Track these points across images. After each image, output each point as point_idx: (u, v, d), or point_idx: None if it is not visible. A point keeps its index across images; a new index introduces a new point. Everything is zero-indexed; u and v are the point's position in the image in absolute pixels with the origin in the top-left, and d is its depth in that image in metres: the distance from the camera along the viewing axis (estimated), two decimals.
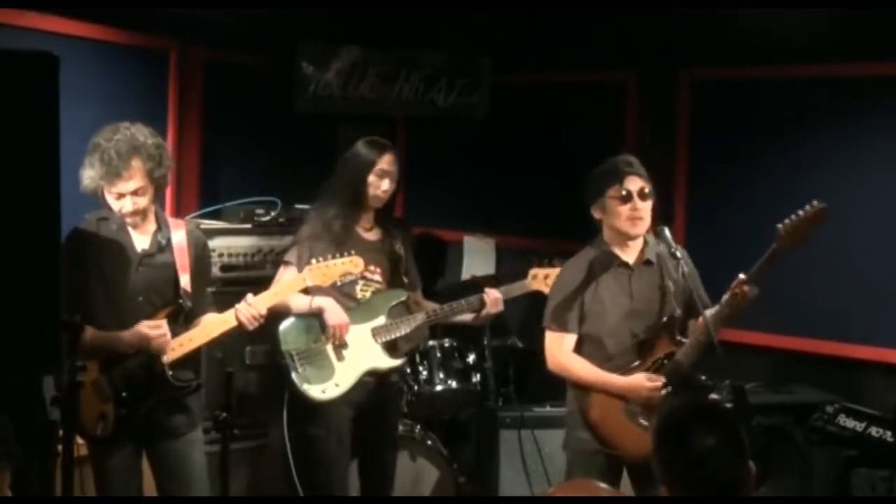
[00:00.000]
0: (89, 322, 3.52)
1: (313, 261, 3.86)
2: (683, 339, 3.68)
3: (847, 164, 4.81)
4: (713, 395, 4.46)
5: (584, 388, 3.75)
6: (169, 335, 3.58)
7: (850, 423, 4.22)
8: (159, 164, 3.59)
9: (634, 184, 3.67)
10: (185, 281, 3.66)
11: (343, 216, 4.10)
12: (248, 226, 4.74)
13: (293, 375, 4.03)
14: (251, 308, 3.70)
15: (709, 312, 3.58)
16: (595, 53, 5.44)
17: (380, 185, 4.12)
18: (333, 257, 3.91)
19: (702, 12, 4.96)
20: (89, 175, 3.54)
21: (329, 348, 4.06)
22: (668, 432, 2.38)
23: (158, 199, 4.64)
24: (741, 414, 3.47)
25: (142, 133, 3.59)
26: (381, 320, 4.14)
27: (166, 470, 3.71)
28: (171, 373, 3.60)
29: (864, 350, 4.70)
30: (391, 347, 4.17)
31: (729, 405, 3.81)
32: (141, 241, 3.66)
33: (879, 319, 4.66)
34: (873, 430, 4.20)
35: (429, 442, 4.76)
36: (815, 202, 3.48)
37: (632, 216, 3.66)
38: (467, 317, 4.31)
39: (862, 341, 4.69)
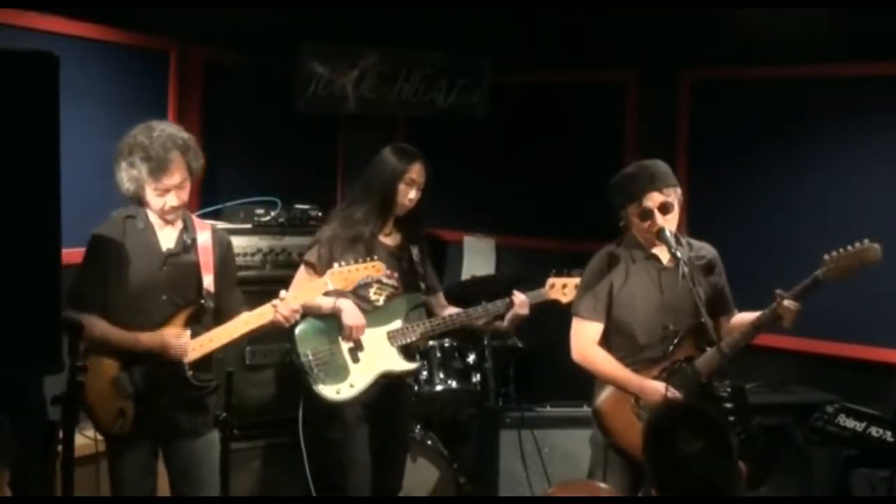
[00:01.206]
0: (111, 319, 3.58)
1: (336, 265, 3.86)
2: (706, 348, 3.65)
3: (847, 164, 4.81)
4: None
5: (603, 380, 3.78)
6: (189, 344, 3.59)
7: (850, 423, 4.22)
8: (195, 155, 3.65)
9: (653, 201, 3.62)
10: (208, 281, 3.68)
11: (370, 222, 4.10)
12: (249, 226, 4.75)
13: (309, 376, 4.04)
14: (287, 304, 3.70)
15: (737, 324, 3.63)
16: (595, 53, 5.44)
17: (407, 194, 4.13)
18: (355, 261, 3.93)
19: (702, 12, 4.96)
20: (132, 176, 3.58)
21: (345, 350, 4.07)
22: (655, 437, 2.39)
23: None
24: (741, 414, 3.48)
25: (174, 128, 3.66)
26: (397, 324, 4.15)
27: (180, 469, 3.72)
28: (190, 373, 3.61)
29: (864, 350, 4.70)
30: (406, 351, 4.17)
31: (728, 405, 3.82)
32: (166, 240, 3.69)
33: (880, 320, 4.66)
34: (873, 430, 4.20)
35: (429, 442, 4.76)
36: (866, 241, 3.46)
37: (652, 229, 3.64)
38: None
39: (862, 341, 4.69)
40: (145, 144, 3.55)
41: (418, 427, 4.77)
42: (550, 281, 4.26)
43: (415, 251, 4.25)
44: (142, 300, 3.61)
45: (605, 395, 3.76)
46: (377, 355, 4.10)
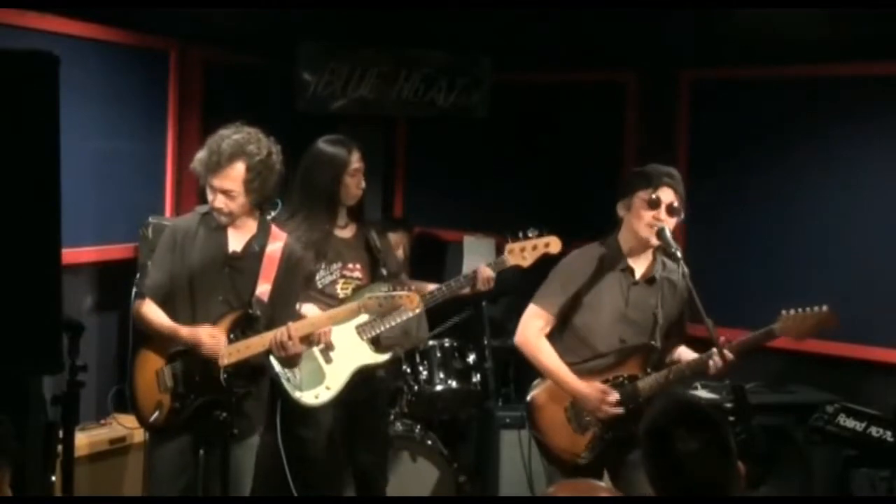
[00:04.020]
0: (169, 311, 3.64)
1: (368, 293, 3.86)
2: (650, 371, 3.72)
3: (847, 164, 4.81)
4: (711, 396, 4.50)
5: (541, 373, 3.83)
6: (223, 345, 3.57)
7: (850, 423, 4.22)
8: (260, 178, 3.61)
9: (666, 195, 3.66)
10: (262, 290, 3.67)
11: (321, 222, 4.05)
12: None
13: (285, 384, 3.99)
14: (284, 333, 3.63)
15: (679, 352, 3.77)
16: (595, 53, 5.44)
17: (356, 184, 4.10)
18: (315, 264, 3.96)
19: (702, 12, 4.96)
20: (198, 158, 3.63)
21: (316, 352, 4.01)
22: (652, 438, 2.38)
23: (158, 198, 4.67)
24: (741, 414, 3.48)
25: (258, 144, 3.63)
26: (364, 317, 4.06)
27: (213, 471, 3.71)
28: (224, 376, 3.60)
29: (864, 350, 4.70)
30: (378, 343, 4.15)
31: (728, 405, 3.83)
32: (235, 242, 3.70)
33: (879, 319, 4.66)
34: (873, 430, 4.20)
35: (429, 442, 4.76)
36: (825, 307, 3.55)
37: (652, 224, 3.64)
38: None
39: (862, 341, 4.69)
40: (219, 139, 3.60)
41: (418, 427, 4.77)
42: (509, 247, 4.17)
43: (371, 237, 4.21)
44: (201, 297, 3.66)
45: (541, 389, 3.83)
46: (349, 352, 4.06)
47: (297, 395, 4.00)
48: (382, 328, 4.11)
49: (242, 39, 5.19)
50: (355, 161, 4.09)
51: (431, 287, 4.27)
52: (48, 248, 2.40)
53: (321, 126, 5.63)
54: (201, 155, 3.62)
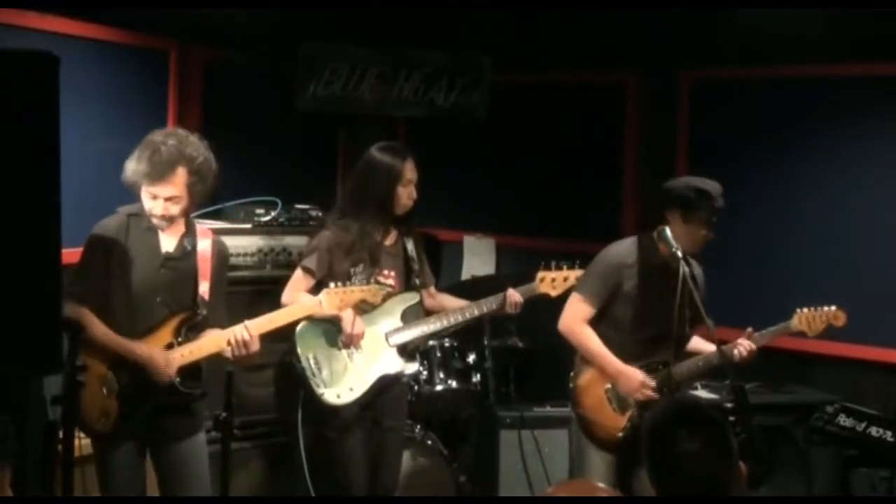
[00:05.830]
0: (105, 316, 3.57)
1: (332, 284, 3.87)
2: (683, 358, 3.94)
3: (847, 165, 4.81)
4: (712, 396, 4.51)
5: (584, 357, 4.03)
6: (173, 370, 3.56)
7: (850, 423, 4.23)
8: (202, 180, 3.60)
9: (716, 215, 3.90)
10: (203, 289, 3.66)
11: (371, 229, 4.06)
12: (249, 226, 4.74)
13: (310, 379, 4.01)
14: (244, 331, 3.63)
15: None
16: (595, 53, 5.44)
17: (408, 194, 4.11)
18: (355, 266, 3.96)
19: (702, 12, 4.96)
20: (133, 168, 3.57)
21: (344, 353, 4.05)
22: (653, 437, 2.38)
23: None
24: (741, 414, 3.49)
25: (194, 146, 3.61)
26: (394, 323, 4.12)
27: (167, 472, 3.71)
28: (177, 379, 3.59)
29: (864, 350, 4.70)
30: (404, 351, 4.17)
31: (728, 405, 3.85)
32: (167, 243, 3.67)
33: (879, 319, 4.66)
34: (873, 430, 4.20)
35: (429, 442, 4.76)
36: (834, 307, 3.98)
37: (708, 238, 3.90)
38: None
39: (862, 341, 4.69)
40: (155, 146, 3.55)
41: (418, 427, 4.77)
42: (540, 275, 4.24)
43: (409, 246, 4.22)
44: (137, 300, 3.61)
45: (583, 373, 4.02)
46: (376, 357, 4.09)
47: (320, 390, 4.00)
48: (412, 336, 4.12)
49: (242, 39, 5.19)
50: (409, 171, 4.08)
51: (461, 303, 4.28)
52: (48, 248, 2.41)
53: (321, 126, 5.66)
54: (138, 166, 3.54)
